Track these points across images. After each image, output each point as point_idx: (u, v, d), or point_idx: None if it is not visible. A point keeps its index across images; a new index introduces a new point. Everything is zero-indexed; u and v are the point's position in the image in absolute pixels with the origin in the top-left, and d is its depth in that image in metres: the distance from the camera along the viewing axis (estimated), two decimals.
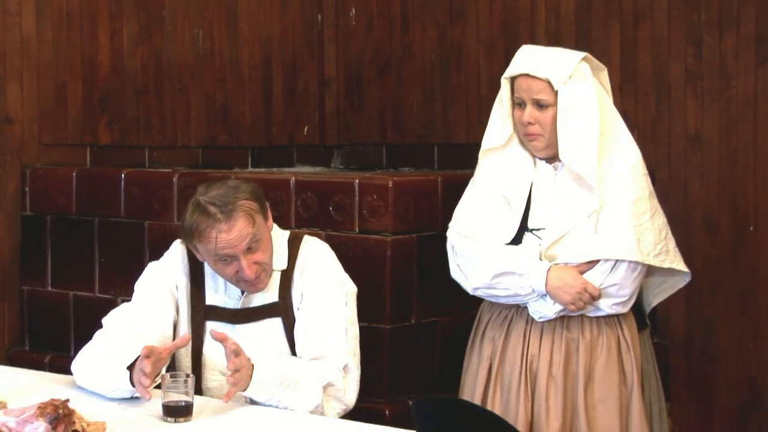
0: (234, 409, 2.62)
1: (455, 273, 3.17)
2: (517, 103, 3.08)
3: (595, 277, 3.01)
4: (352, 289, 2.94)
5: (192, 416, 2.52)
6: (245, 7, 4.83)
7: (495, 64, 4.62)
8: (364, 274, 3.20)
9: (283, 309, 2.87)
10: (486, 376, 3.15)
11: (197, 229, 2.75)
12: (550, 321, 3.07)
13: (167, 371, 2.74)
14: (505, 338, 3.13)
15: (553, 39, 4.39)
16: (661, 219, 3.11)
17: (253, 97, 4.88)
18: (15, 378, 2.87)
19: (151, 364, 2.54)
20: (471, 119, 4.71)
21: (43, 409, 2.29)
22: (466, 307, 3.47)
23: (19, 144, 4.15)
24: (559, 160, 3.07)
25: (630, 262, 3.01)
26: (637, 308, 3.22)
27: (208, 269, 2.91)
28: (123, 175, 4.02)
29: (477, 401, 3.13)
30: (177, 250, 2.97)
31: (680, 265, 3.14)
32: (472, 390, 3.18)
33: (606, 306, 3.05)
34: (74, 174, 4.11)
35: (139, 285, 2.96)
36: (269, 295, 2.88)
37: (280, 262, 2.88)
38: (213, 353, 2.82)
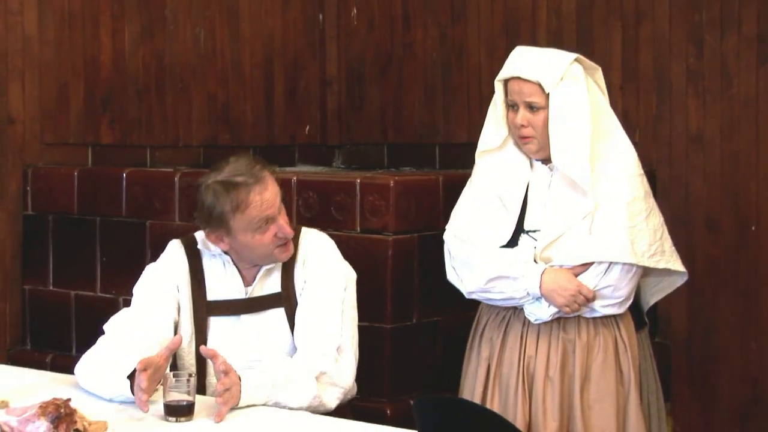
0: (235, 410, 2.62)
1: (451, 276, 3.17)
2: (510, 106, 3.08)
3: (589, 279, 3.01)
4: (351, 275, 2.96)
5: (193, 416, 2.53)
6: (247, 6, 4.83)
7: (496, 63, 4.60)
8: (366, 273, 3.20)
9: (285, 299, 2.88)
10: (485, 376, 3.15)
11: (237, 202, 2.76)
12: (546, 322, 3.07)
13: (170, 370, 2.75)
14: (503, 339, 3.13)
15: (555, 39, 4.39)
16: (656, 219, 3.10)
17: (254, 97, 4.88)
18: (16, 377, 2.87)
19: (147, 377, 2.53)
20: (472, 119, 4.71)
21: (44, 409, 2.29)
22: (467, 307, 3.47)
23: (20, 143, 4.16)
24: None
25: (624, 264, 3.01)
26: (635, 307, 3.22)
27: (207, 264, 2.92)
28: (124, 175, 4.02)
29: (476, 401, 3.13)
30: (175, 250, 2.96)
31: (676, 266, 3.13)
32: (471, 391, 3.18)
33: (601, 307, 3.04)
34: (76, 173, 4.12)
35: (138, 289, 2.95)
36: (272, 285, 2.90)
37: None
38: (216, 350, 2.82)
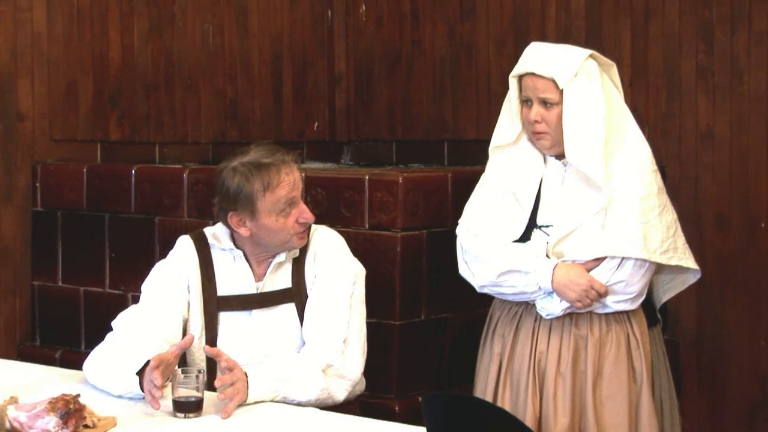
0: (243, 406, 2.62)
1: (463, 270, 3.17)
2: (525, 101, 3.08)
3: (601, 275, 3.00)
4: (360, 270, 2.97)
5: (202, 412, 2.53)
6: (255, 3, 4.83)
7: (505, 60, 4.61)
8: (374, 270, 3.20)
9: (296, 294, 2.89)
10: (497, 372, 3.15)
11: (268, 181, 2.79)
12: (558, 318, 3.06)
13: (179, 366, 2.75)
14: (515, 335, 3.13)
15: (564, 35, 4.39)
16: (670, 216, 3.09)
17: (263, 93, 4.88)
18: (26, 373, 2.87)
19: (161, 374, 2.53)
20: (481, 115, 4.71)
21: (54, 404, 2.30)
22: (476, 304, 3.46)
23: (30, 140, 4.16)
24: None
25: (636, 259, 3.00)
26: (648, 304, 3.21)
27: (218, 259, 2.92)
28: (133, 171, 4.02)
29: (488, 397, 3.13)
30: (185, 246, 2.97)
31: (689, 263, 3.13)
32: (483, 386, 3.18)
33: (613, 303, 3.04)
34: (85, 170, 4.12)
35: (147, 285, 2.95)
36: (283, 281, 2.90)
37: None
38: (226, 345, 2.83)
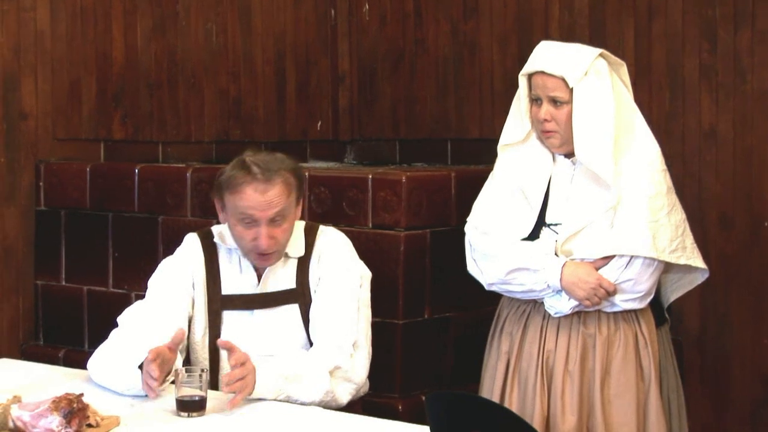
0: (246, 404, 2.62)
1: (471, 268, 3.17)
2: (534, 100, 3.08)
3: (610, 273, 3.00)
4: (366, 273, 2.96)
5: (205, 411, 2.53)
6: (258, 2, 4.83)
7: (508, 59, 4.61)
8: (377, 269, 3.19)
9: (300, 295, 2.89)
10: (504, 371, 3.15)
11: (233, 182, 2.78)
12: (566, 316, 3.06)
13: (183, 365, 2.75)
14: (523, 333, 3.13)
15: (567, 34, 4.38)
16: (679, 215, 3.10)
17: (266, 93, 4.88)
18: (29, 372, 2.88)
19: (158, 366, 2.54)
20: (484, 114, 4.71)
21: (57, 403, 2.30)
22: (479, 303, 3.46)
23: (33, 139, 4.17)
24: None
25: (645, 258, 3.00)
26: (656, 304, 3.21)
27: (223, 257, 2.92)
28: (137, 170, 4.02)
29: (496, 396, 3.13)
30: (191, 243, 2.98)
31: (697, 262, 3.13)
32: (491, 385, 3.18)
33: (622, 302, 3.04)
34: (88, 169, 4.13)
35: (153, 281, 2.96)
36: (287, 281, 2.90)
37: (297, 249, 2.91)
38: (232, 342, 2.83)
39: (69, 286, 4.15)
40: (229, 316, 2.90)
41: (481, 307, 3.52)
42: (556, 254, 3.04)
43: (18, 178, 4.14)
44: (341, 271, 2.90)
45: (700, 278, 3.24)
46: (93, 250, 4.09)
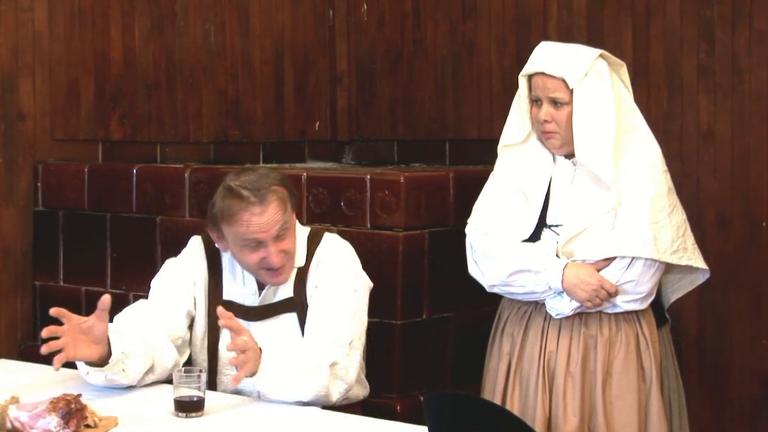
0: (245, 405, 2.62)
1: (473, 270, 3.17)
2: (534, 101, 3.08)
3: (611, 274, 3.00)
4: (365, 281, 2.95)
5: (204, 411, 2.53)
6: (257, 2, 4.83)
7: (507, 59, 4.61)
8: (376, 269, 3.19)
9: (298, 304, 2.88)
10: (505, 372, 3.15)
11: (229, 213, 2.76)
12: (568, 318, 3.06)
13: (184, 366, 2.76)
14: (524, 334, 3.13)
15: (565, 34, 4.38)
16: (680, 216, 3.10)
17: (264, 93, 4.88)
18: (27, 373, 2.88)
19: (54, 330, 2.55)
20: (483, 115, 4.71)
21: (55, 404, 2.30)
22: (478, 303, 3.47)
23: (31, 139, 4.16)
24: None
25: (646, 259, 3.00)
26: (657, 304, 3.21)
27: (226, 264, 2.92)
28: (135, 171, 4.02)
29: (497, 397, 3.14)
30: (196, 246, 2.97)
31: (698, 263, 3.13)
32: (492, 385, 3.18)
33: (623, 303, 3.04)
34: (86, 169, 4.12)
35: (156, 281, 2.96)
36: (285, 290, 2.89)
37: (299, 259, 2.90)
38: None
39: (67, 287, 4.15)
40: None
41: (480, 307, 3.52)
42: (557, 256, 3.04)
43: (16, 179, 4.14)
44: (339, 273, 2.88)
45: (701, 278, 3.25)
46: (91, 251, 4.08)
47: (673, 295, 3.34)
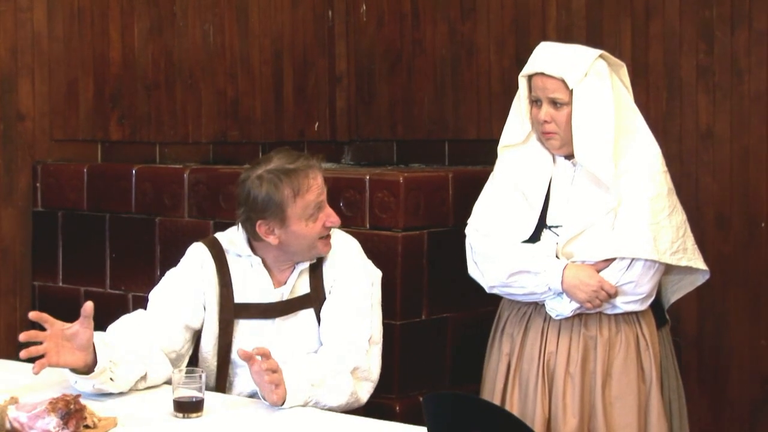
0: (244, 406, 2.62)
1: (472, 270, 3.17)
2: (534, 101, 3.08)
3: (611, 275, 3.00)
4: (377, 273, 2.98)
5: (203, 412, 2.53)
6: (256, 2, 4.83)
7: (506, 59, 4.61)
8: None
9: (315, 300, 2.88)
10: (505, 372, 3.15)
11: (297, 186, 2.77)
12: (567, 318, 3.06)
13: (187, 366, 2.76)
14: (524, 335, 3.13)
15: (564, 35, 4.38)
16: (679, 216, 3.10)
17: (263, 93, 4.88)
18: (26, 373, 2.87)
19: (33, 335, 2.55)
20: (482, 115, 4.70)
21: (54, 405, 2.30)
22: (477, 304, 3.46)
23: (30, 140, 4.16)
24: None
25: (646, 260, 3.00)
26: (656, 305, 3.21)
27: (233, 267, 2.90)
28: (134, 171, 4.02)
29: (497, 397, 3.14)
30: (199, 252, 2.93)
31: (698, 263, 3.13)
32: (492, 386, 3.18)
33: (623, 304, 3.04)
34: (85, 170, 4.12)
35: (155, 292, 2.92)
36: (301, 287, 2.90)
37: None
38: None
39: (66, 287, 4.15)
40: (243, 325, 2.89)
41: (479, 307, 3.52)
42: (557, 256, 3.04)
43: (15, 179, 4.14)
44: (355, 271, 2.91)
45: (700, 279, 3.25)
46: (90, 251, 4.08)
47: (672, 296, 3.34)
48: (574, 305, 3.02)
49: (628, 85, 3.17)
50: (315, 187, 2.80)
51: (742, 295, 4.13)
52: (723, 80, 4.13)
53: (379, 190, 3.49)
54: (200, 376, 2.54)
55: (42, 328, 2.60)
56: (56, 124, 4.23)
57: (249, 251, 2.88)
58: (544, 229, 3.08)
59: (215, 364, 2.88)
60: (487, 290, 3.15)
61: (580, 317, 3.07)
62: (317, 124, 5.08)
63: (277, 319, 2.87)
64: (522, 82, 3.11)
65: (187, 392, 2.52)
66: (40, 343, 2.56)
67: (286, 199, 2.77)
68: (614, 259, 3.01)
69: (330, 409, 2.66)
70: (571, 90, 3.01)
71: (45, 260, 4.19)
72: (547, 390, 3.07)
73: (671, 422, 3.26)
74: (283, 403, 2.56)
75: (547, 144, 3.10)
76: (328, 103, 5.11)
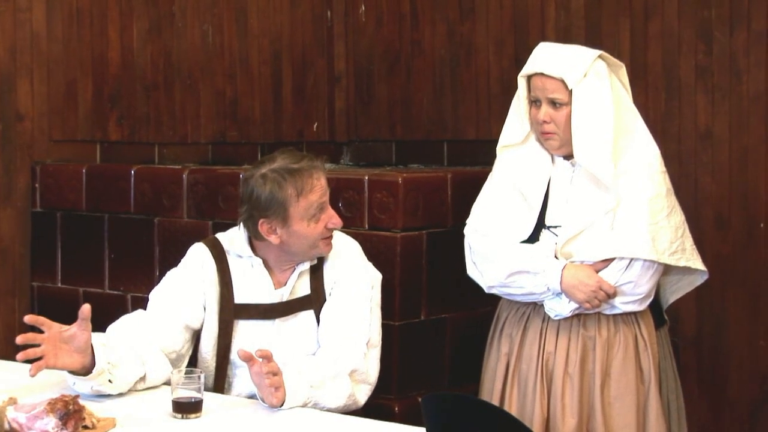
0: (242, 407, 2.62)
1: (471, 271, 3.17)
2: (533, 101, 3.08)
3: (610, 275, 3.00)
4: (377, 275, 2.98)
5: (201, 413, 2.52)
6: (255, 3, 4.83)
7: (505, 60, 4.61)
8: None
9: (315, 301, 2.88)
10: (504, 372, 3.15)
11: (301, 185, 2.78)
12: (566, 319, 3.06)
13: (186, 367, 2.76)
14: (522, 335, 3.13)
15: (563, 35, 4.38)
16: (678, 217, 3.10)
17: (262, 94, 4.88)
18: (25, 374, 2.87)
19: (32, 337, 2.54)
20: (480, 115, 4.71)
21: (53, 405, 2.30)
22: (476, 304, 3.46)
23: (29, 140, 4.16)
24: None
25: (645, 260, 3.00)
26: (655, 306, 3.21)
27: (234, 267, 2.90)
28: (133, 172, 4.02)
29: (495, 398, 3.14)
30: (200, 253, 2.93)
31: (697, 264, 3.13)
32: (490, 386, 3.18)
33: (621, 304, 3.04)
34: (84, 170, 4.12)
35: (155, 292, 2.92)
36: (301, 288, 2.89)
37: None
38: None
39: (65, 288, 4.15)
40: (243, 326, 2.89)
41: (478, 308, 3.52)
42: (555, 257, 3.04)
43: (14, 180, 4.14)
44: (355, 273, 2.90)
45: (699, 280, 3.25)
46: (89, 252, 4.08)
47: (671, 297, 3.34)
48: (573, 305, 3.02)
49: (627, 86, 3.17)
50: (318, 187, 2.80)
51: (740, 296, 4.13)
52: (722, 81, 4.13)
53: (378, 191, 3.49)
54: (199, 377, 2.54)
55: (39, 331, 2.60)
56: (55, 125, 4.23)
57: (250, 252, 2.88)
58: (543, 230, 3.08)
59: (214, 364, 2.88)
60: (486, 290, 3.15)
61: (578, 317, 3.07)
62: (316, 124, 5.08)
63: (277, 320, 2.87)
64: (521, 82, 3.11)
65: (186, 393, 2.52)
66: (38, 345, 2.55)
67: (289, 198, 2.77)
68: (613, 260, 3.01)
69: (327, 411, 2.66)
70: (571, 90, 3.01)
71: (44, 261, 4.18)
72: (546, 390, 3.07)
73: (670, 422, 3.26)
74: (281, 405, 2.56)
75: (546, 144, 3.10)
76: (327, 103, 5.11)
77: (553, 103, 3.03)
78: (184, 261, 2.95)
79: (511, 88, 3.22)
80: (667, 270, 3.16)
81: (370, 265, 2.98)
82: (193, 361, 2.90)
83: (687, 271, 3.20)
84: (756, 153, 4.09)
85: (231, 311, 2.88)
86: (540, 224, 3.08)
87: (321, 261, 2.91)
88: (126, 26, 4.42)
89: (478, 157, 4.41)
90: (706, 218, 4.16)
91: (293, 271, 2.88)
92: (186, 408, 2.51)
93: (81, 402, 2.34)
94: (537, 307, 3.11)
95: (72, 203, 4.13)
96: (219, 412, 2.56)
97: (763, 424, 4.14)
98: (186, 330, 2.87)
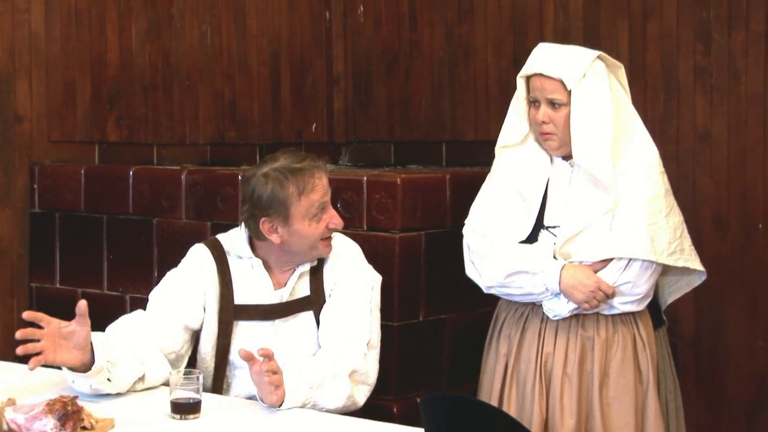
0: (241, 407, 2.62)
1: (470, 271, 3.17)
2: (532, 102, 3.08)
3: (608, 276, 3.01)
4: (377, 277, 2.98)
5: (200, 413, 2.52)
6: (253, 3, 4.83)
7: (503, 61, 4.61)
8: None
9: (315, 302, 2.88)
10: (503, 373, 3.16)
11: (302, 185, 2.78)
12: (565, 319, 3.06)
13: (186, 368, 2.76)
14: (521, 336, 3.13)
15: (562, 36, 4.39)
16: (677, 217, 3.10)
17: (261, 94, 4.88)
18: (24, 375, 2.87)
19: (29, 332, 2.54)
20: (479, 116, 4.71)
21: (51, 406, 2.30)
22: (475, 305, 3.47)
23: (27, 141, 4.16)
24: None
25: (643, 260, 3.00)
26: (654, 306, 3.21)
27: (234, 268, 2.90)
28: (131, 173, 4.02)
29: (494, 398, 3.14)
30: (200, 254, 2.93)
31: (695, 264, 3.13)
32: (489, 387, 3.18)
33: (620, 304, 3.04)
34: (83, 171, 4.12)
35: (155, 293, 2.92)
36: (301, 289, 2.89)
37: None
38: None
39: (64, 289, 4.14)
40: (243, 327, 2.88)
41: (477, 308, 3.52)
42: (554, 257, 3.04)
43: (12, 181, 4.14)
44: (355, 274, 2.91)
45: (697, 280, 3.25)
46: (87, 253, 4.08)
47: (670, 297, 3.35)
48: (572, 306, 3.02)
49: (626, 86, 3.17)
50: (320, 187, 2.81)
51: (739, 296, 4.13)
52: (720, 81, 4.14)
53: (377, 192, 3.49)
54: (198, 378, 2.54)
55: (39, 327, 2.60)
56: (53, 126, 4.23)
57: (250, 252, 2.88)
58: (542, 230, 3.08)
59: (213, 365, 2.88)
60: (485, 290, 3.15)
61: (577, 318, 3.07)
62: (315, 125, 5.09)
63: (277, 321, 2.87)
64: (520, 82, 3.11)
65: (185, 393, 2.52)
66: (38, 340, 2.55)
67: (290, 197, 2.78)
68: (611, 260, 3.01)
69: (326, 412, 2.66)
70: (570, 91, 3.01)
71: (42, 261, 4.18)
72: (545, 391, 3.08)
73: (668, 423, 3.26)
74: (281, 405, 2.56)
75: (544, 145, 3.10)
76: (326, 104, 5.11)
77: (552, 104, 3.04)
78: (184, 261, 2.95)
79: (510, 89, 3.22)
80: (665, 270, 3.16)
81: (370, 266, 2.98)
82: (192, 362, 2.90)
83: (685, 271, 3.20)
84: (754, 153, 4.09)
85: (231, 312, 2.87)
86: (539, 224, 3.08)
87: (321, 262, 2.91)
88: (124, 27, 4.42)
89: (476, 158, 4.41)
90: (705, 219, 4.16)
91: (293, 272, 2.88)
92: (184, 409, 2.51)
93: (80, 403, 2.34)
94: (535, 307, 3.12)
95: (70, 204, 4.12)
96: (217, 413, 2.56)
97: (761, 424, 4.14)
98: (185, 330, 2.87)
